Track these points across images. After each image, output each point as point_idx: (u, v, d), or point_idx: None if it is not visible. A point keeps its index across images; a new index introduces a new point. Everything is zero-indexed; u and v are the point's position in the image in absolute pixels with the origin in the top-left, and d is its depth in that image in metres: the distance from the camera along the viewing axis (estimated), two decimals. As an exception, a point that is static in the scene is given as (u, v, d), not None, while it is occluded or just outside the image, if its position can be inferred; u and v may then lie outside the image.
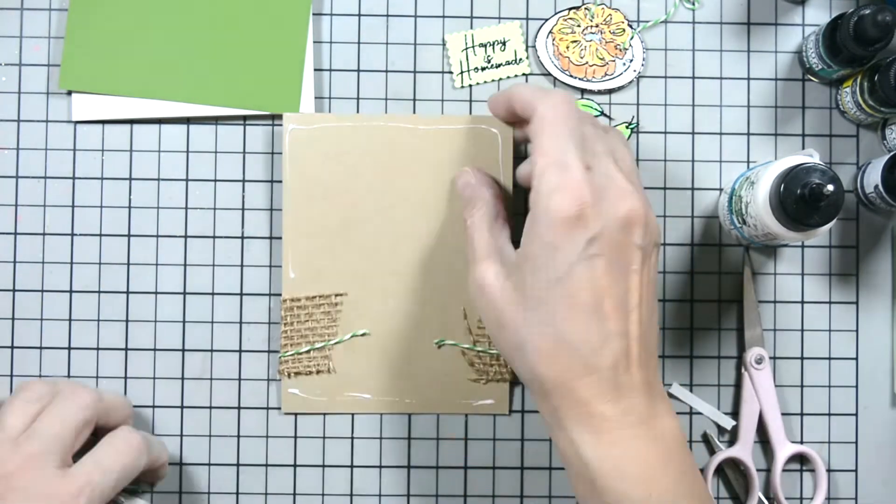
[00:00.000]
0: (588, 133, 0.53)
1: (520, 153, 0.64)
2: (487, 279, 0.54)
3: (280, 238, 0.65)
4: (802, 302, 0.67)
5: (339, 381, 0.64)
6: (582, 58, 0.67)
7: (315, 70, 0.66)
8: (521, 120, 0.56)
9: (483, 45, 0.67)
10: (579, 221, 0.49)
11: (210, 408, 0.66)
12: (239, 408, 0.66)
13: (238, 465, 0.66)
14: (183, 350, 0.66)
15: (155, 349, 0.66)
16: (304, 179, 0.63)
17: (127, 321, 0.66)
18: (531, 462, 0.66)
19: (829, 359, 0.67)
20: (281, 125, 0.66)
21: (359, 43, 0.67)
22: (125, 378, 0.66)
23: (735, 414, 0.66)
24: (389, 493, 0.66)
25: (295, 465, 0.66)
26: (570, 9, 0.67)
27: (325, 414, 0.65)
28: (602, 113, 0.67)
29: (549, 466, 0.66)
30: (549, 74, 0.67)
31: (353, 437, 0.66)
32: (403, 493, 0.66)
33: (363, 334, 0.63)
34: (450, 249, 0.63)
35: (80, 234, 0.66)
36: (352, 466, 0.66)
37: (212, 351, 0.66)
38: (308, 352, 0.64)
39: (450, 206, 0.63)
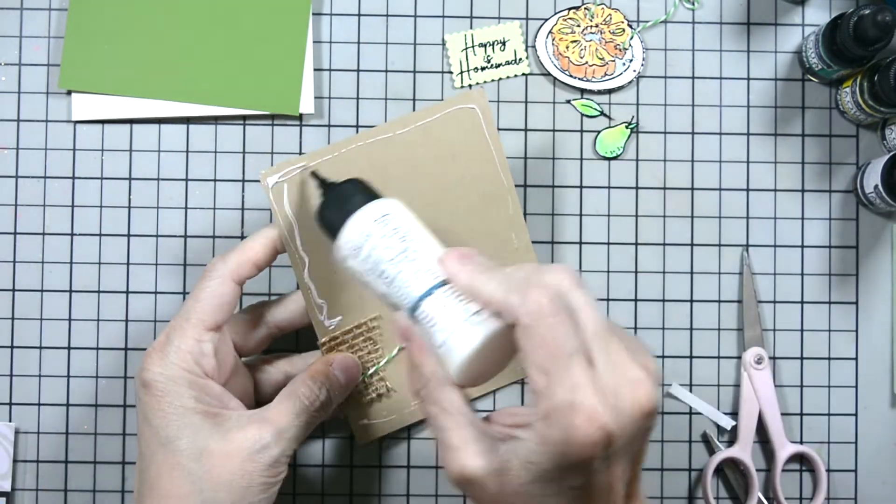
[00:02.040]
0: (585, 319, 0.45)
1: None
2: (475, 473, 0.45)
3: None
4: (802, 302, 0.67)
5: (400, 396, 0.62)
6: (582, 58, 0.67)
7: (315, 70, 0.67)
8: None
9: (483, 45, 0.67)
10: (600, 443, 0.42)
11: (210, 408, 0.66)
12: (239, 408, 0.66)
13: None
14: (183, 350, 0.66)
15: (155, 349, 0.66)
16: (304, 228, 0.59)
17: (127, 321, 0.66)
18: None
19: (829, 359, 0.67)
20: (282, 125, 0.66)
21: (359, 43, 0.67)
22: (125, 378, 0.66)
23: (735, 414, 0.66)
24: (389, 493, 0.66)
25: (295, 465, 0.66)
26: (569, 9, 0.67)
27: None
28: (602, 113, 0.67)
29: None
30: (549, 74, 0.67)
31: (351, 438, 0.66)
32: (403, 493, 0.66)
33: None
34: (466, 237, 0.62)
35: (80, 234, 0.66)
36: (351, 466, 0.66)
37: (212, 351, 0.66)
38: (363, 381, 0.62)
39: (455, 196, 0.62)
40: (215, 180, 0.66)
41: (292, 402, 0.54)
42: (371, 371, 0.61)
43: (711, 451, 0.66)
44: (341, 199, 0.51)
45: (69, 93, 0.66)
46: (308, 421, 0.54)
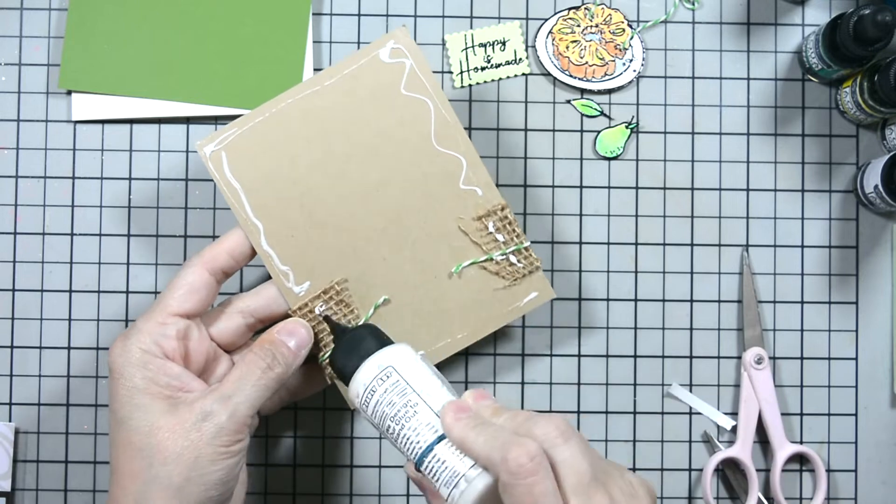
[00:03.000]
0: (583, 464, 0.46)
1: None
2: None
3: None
4: (802, 302, 0.67)
5: None
6: (582, 58, 0.67)
7: (315, 70, 0.67)
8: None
9: (483, 45, 0.67)
10: None
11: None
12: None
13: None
14: (183, 350, 0.66)
15: (155, 349, 0.66)
16: (253, 193, 0.59)
17: (126, 321, 0.66)
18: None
19: (829, 359, 0.67)
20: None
21: (359, 43, 0.67)
22: (125, 378, 0.66)
23: (735, 414, 0.66)
24: (388, 492, 0.66)
25: (295, 466, 0.66)
26: (569, 9, 0.67)
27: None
28: (602, 113, 0.67)
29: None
30: (549, 74, 0.67)
31: (352, 437, 0.66)
32: (403, 493, 0.66)
33: (384, 302, 0.61)
34: (415, 178, 0.61)
35: (80, 234, 0.66)
36: (351, 466, 0.66)
37: (212, 351, 0.66)
38: None
39: (399, 139, 0.60)
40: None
41: (238, 370, 0.55)
42: None
43: (711, 451, 0.66)
44: (349, 347, 0.54)
45: (69, 93, 0.66)
46: (258, 385, 0.54)
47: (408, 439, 0.49)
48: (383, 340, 0.54)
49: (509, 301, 0.62)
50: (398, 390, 0.51)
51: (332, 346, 0.57)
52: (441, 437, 0.49)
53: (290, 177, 0.60)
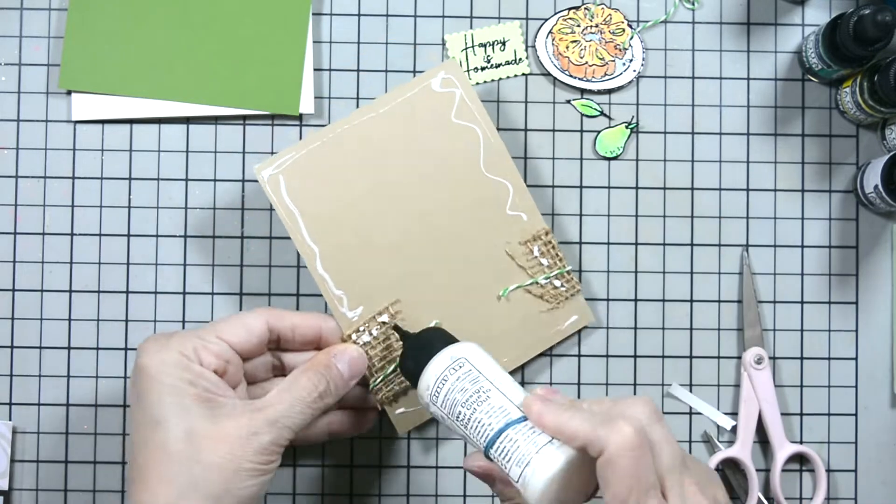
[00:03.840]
0: (668, 462, 0.47)
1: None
2: None
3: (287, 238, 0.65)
4: (802, 302, 0.67)
5: None
6: (582, 58, 0.67)
7: (315, 70, 0.67)
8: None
9: (483, 45, 0.67)
10: None
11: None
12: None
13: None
14: (183, 350, 0.66)
15: (155, 349, 0.66)
16: (309, 218, 0.60)
17: (126, 321, 0.66)
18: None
19: (829, 359, 0.67)
20: (282, 125, 0.66)
21: (359, 43, 0.67)
22: (125, 378, 0.66)
23: (735, 414, 0.66)
24: (388, 492, 0.66)
25: (294, 465, 0.66)
26: (569, 9, 0.67)
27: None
28: (602, 113, 0.67)
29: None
30: (549, 74, 0.67)
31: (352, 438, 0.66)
32: (403, 493, 0.66)
33: (436, 325, 0.62)
34: (464, 203, 0.62)
35: (80, 234, 0.66)
36: (351, 466, 0.66)
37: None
38: (394, 370, 0.61)
39: (445, 165, 0.62)
40: (215, 180, 0.66)
41: (290, 392, 0.54)
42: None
43: (711, 451, 0.66)
44: (419, 347, 0.55)
45: (69, 93, 0.66)
46: (305, 411, 0.54)
47: (479, 422, 0.50)
48: (452, 338, 0.55)
49: (552, 324, 0.64)
50: (470, 378, 0.52)
51: (384, 374, 0.60)
52: (513, 422, 0.49)
53: (344, 201, 0.61)
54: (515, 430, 0.49)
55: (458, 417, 0.51)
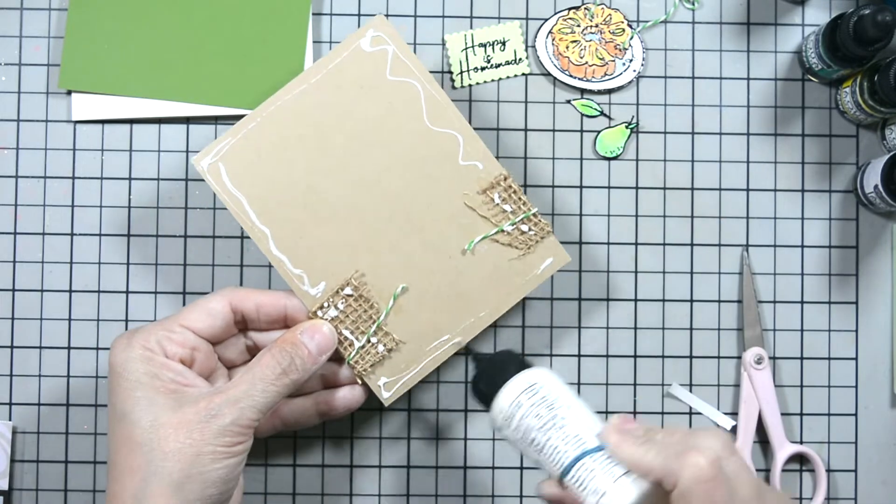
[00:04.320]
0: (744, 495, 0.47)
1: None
2: None
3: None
4: (802, 302, 0.67)
5: (413, 344, 0.61)
6: (582, 58, 0.67)
7: (315, 70, 0.67)
8: None
9: (483, 45, 0.67)
10: None
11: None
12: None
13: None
14: (183, 350, 0.66)
15: (155, 349, 0.66)
16: (256, 200, 0.59)
17: (126, 321, 0.66)
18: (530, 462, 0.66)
19: (829, 359, 0.67)
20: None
21: (359, 43, 0.67)
22: (125, 378, 0.66)
23: (735, 414, 0.66)
24: (388, 492, 0.66)
25: (294, 465, 0.66)
26: (569, 9, 0.67)
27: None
28: (602, 113, 0.67)
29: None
30: (549, 74, 0.67)
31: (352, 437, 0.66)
32: (403, 493, 0.66)
33: (403, 290, 0.61)
34: (414, 161, 0.60)
35: (80, 234, 0.66)
36: (351, 466, 0.66)
37: (211, 351, 0.66)
38: (368, 342, 0.60)
39: (387, 126, 0.60)
40: (215, 180, 0.66)
41: (252, 371, 0.54)
42: (374, 327, 0.60)
43: (711, 451, 0.66)
44: (492, 371, 0.54)
45: (69, 93, 0.66)
46: (269, 389, 0.53)
47: (555, 449, 0.50)
48: (526, 362, 0.55)
49: (526, 271, 0.62)
50: (546, 404, 0.52)
51: (359, 345, 0.59)
52: (589, 451, 0.50)
53: (290, 178, 0.59)
54: (592, 460, 0.50)
55: (532, 443, 0.52)
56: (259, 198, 0.59)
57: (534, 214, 0.61)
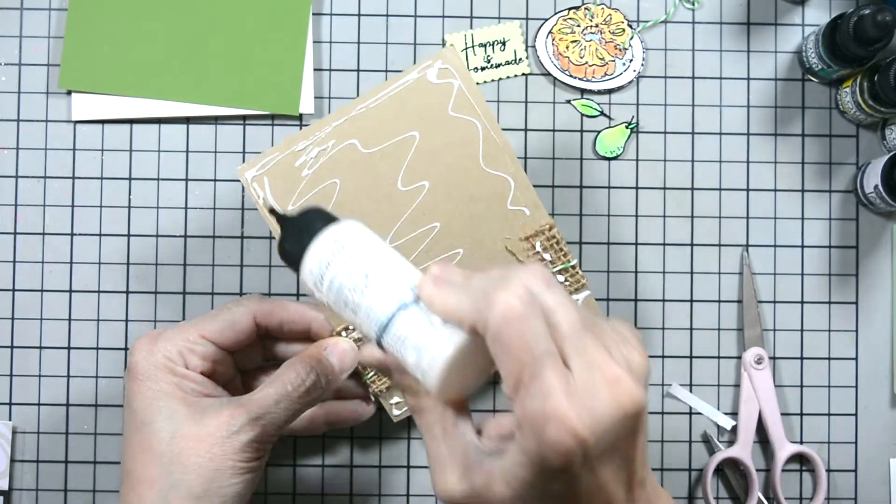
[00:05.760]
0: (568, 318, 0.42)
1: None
2: (454, 494, 0.45)
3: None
4: (802, 302, 0.67)
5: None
6: (582, 58, 0.67)
7: (315, 70, 0.67)
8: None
9: (483, 45, 0.67)
10: (575, 450, 0.40)
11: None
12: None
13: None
14: (183, 350, 0.66)
15: (155, 349, 0.66)
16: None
17: (126, 321, 0.66)
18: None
19: (829, 359, 0.67)
20: (282, 125, 0.66)
21: (359, 43, 0.67)
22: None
23: (735, 414, 0.66)
24: (388, 492, 0.66)
25: (294, 465, 0.66)
26: (569, 9, 0.67)
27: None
28: (602, 113, 0.67)
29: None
30: (549, 74, 0.67)
31: (352, 437, 0.66)
32: (403, 493, 0.66)
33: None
34: (463, 200, 0.59)
35: (80, 234, 0.66)
36: (351, 466, 0.66)
37: (211, 351, 0.66)
38: None
39: (442, 161, 0.59)
40: (215, 180, 0.66)
41: (275, 387, 0.53)
42: None
43: (711, 451, 0.66)
44: (298, 229, 0.49)
45: (69, 93, 0.66)
46: (291, 407, 0.53)
47: (370, 308, 0.45)
48: (334, 217, 0.49)
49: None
50: (356, 259, 0.46)
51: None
52: (405, 304, 0.45)
53: (334, 202, 0.59)
54: (409, 314, 0.44)
55: (346, 304, 0.46)
56: None
57: (573, 267, 0.61)
